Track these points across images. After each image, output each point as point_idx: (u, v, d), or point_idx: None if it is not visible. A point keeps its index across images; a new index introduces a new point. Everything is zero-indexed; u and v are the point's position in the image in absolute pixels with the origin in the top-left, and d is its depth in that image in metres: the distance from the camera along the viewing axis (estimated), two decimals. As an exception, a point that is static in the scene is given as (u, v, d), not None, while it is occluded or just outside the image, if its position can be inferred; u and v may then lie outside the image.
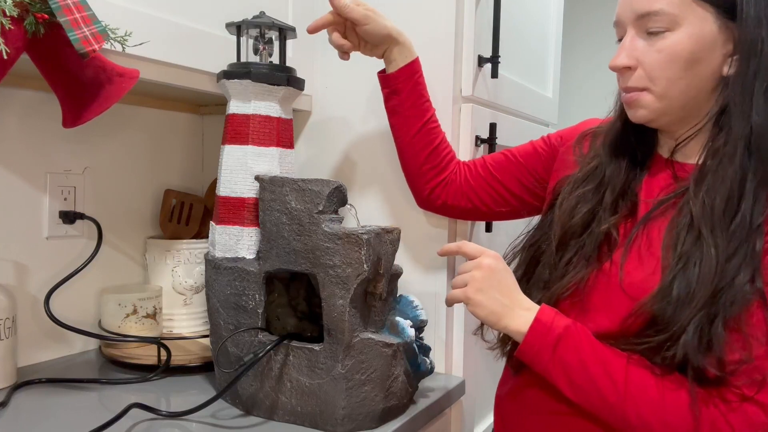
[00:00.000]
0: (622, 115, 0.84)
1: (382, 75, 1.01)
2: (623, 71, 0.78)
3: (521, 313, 0.80)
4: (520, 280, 0.87)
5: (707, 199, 0.73)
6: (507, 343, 0.89)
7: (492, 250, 0.85)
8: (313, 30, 0.96)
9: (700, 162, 0.77)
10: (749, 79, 0.73)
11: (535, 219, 0.95)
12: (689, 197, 0.75)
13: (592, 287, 0.80)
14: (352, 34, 0.98)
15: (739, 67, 0.73)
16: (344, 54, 0.98)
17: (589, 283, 0.80)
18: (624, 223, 0.81)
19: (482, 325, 0.94)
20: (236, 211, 0.91)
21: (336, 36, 0.96)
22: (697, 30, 0.73)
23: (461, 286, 0.83)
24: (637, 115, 0.79)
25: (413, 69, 0.99)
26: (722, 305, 0.69)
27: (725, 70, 0.75)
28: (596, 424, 0.78)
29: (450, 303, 0.87)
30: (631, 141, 0.84)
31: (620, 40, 0.79)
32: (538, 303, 0.82)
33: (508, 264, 0.91)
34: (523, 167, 1.00)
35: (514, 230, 1.34)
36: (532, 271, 0.88)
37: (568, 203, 0.84)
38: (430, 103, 1.02)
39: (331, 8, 0.94)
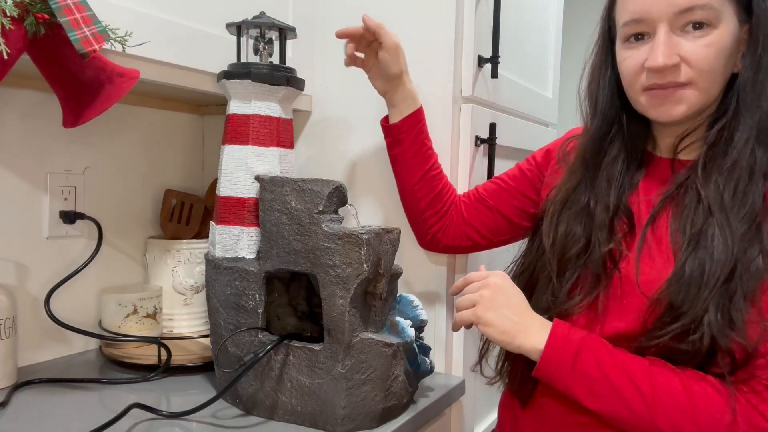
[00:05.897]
0: (600, 121, 0.83)
1: (386, 124, 1.01)
2: (670, 70, 0.74)
3: (535, 329, 0.78)
4: None
5: (720, 181, 0.73)
6: (506, 374, 0.88)
7: (498, 270, 0.84)
8: (340, 35, 0.96)
9: (706, 146, 0.77)
10: (763, 73, 0.74)
11: (525, 244, 0.94)
12: (697, 182, 0.75)
13: (605, 299, 0.78)
14: (371, 54, 0.98)
15: (751, 62, 0.74)
16: (351, 62, 0.99)
17: (601, 297, 0.78)
18: (626, 237, 0.80)
19: (480, 360, 0.93)
20: (236, 211, 0.91)
21: (351, 47, 0.98)
22: (732, 26, 0.74)
23: (468, 307, 0.82)
24: (673, 112, 0.76)
25: (416, 119, 0.99)
26: (739, 280, 0.69)
27: (738, 66, 0.76)
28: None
29: (457, 327, 0.85)
30: (608, 150, 0.83)
31: (636, 36, 0.77)
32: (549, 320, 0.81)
33: None
34: (515, 191, 0.98)
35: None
36: (528, 298, 0.84)
37: (560, 231, 0.83)
38: (432, 151, 1.02)
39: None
